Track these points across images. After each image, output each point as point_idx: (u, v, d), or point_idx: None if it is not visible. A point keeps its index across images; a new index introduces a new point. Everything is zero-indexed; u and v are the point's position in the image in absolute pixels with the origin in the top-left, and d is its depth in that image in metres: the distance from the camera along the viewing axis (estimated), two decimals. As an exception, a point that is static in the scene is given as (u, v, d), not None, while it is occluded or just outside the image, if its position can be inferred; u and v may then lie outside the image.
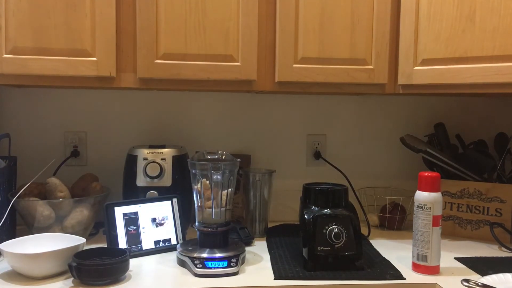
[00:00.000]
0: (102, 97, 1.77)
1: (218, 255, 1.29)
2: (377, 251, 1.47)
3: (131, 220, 1.43)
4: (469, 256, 1.44)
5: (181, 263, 1.33)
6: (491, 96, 1.89)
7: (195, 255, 1.30)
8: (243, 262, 1.34)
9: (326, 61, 1.47)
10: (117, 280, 1.21)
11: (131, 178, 1.58)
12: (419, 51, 1.45)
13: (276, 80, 1.47)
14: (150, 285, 1.22)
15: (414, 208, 1.31)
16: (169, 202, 1.50)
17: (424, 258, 1.28)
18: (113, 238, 1.39)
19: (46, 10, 1.35)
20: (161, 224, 1.47)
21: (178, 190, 1.55)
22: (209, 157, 1.39)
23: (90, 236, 1.56)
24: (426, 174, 1.30)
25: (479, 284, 1.17)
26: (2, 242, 1.28)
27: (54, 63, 1.36)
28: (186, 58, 1.42)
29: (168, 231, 1.47)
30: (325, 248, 1.29)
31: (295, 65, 1.46)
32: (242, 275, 1.28)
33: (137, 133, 1.79)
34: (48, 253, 1.21)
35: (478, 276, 1.26)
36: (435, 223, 1.27)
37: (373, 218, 1.75)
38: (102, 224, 1.51)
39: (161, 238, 1.46)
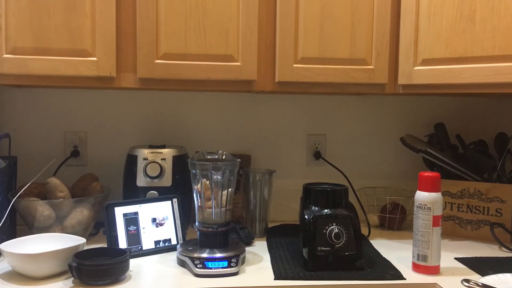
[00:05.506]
0: (102, 97, 1.77)
1: (218, 255, 1.29)
2: (377, 251, 1.47)
3: (131, 220, 1.43)
4: (469, 256, 1.44)
5: (181, 263, 1.33)
6: (491, 96, 1.89)
7: (195, 255, 1.30)
8: (243, 262, 1.34)
9: (326, 61, 1.47)
10: (117, 280, 1.21)
11: (131, 178, 1.58)
12: (419, 51, 1.45)
13: (276, 80, 1.47)
14: (150, 285, 1.22)
15: (414, 208, 1.31)
16: (169, 202, 1.49)
17: (424, 258, 1.28)
18: (113, 238, 1.39)
19: (46, 10, 1.35)
20: (161, 224, 1.47)
21: (178, 190, 1.55)
22: (209, 157, 1.39)
23: (90, 236, 1.56)
24: (426, 174, 1.30)
25: (479, 284, 1.17)
26: (2, 242, 1.28)
27: (54, 63, 1.36)
28: (186, 58, 1.42)
29: (168, 231, 1.47)
30: (325, 248, 1.29)
31: (295, 65, 1.46)
32: (242, 275, 1.28)
33: (137, 133, 1.79)
34: (48, 253, 1.21)
35: (478, 276, 1.26)
36: (435, 223, 1.27)
37: (373, 218, 1.75)
38: (102, 224, 1.51)
39: (161, 238, 1.46)
